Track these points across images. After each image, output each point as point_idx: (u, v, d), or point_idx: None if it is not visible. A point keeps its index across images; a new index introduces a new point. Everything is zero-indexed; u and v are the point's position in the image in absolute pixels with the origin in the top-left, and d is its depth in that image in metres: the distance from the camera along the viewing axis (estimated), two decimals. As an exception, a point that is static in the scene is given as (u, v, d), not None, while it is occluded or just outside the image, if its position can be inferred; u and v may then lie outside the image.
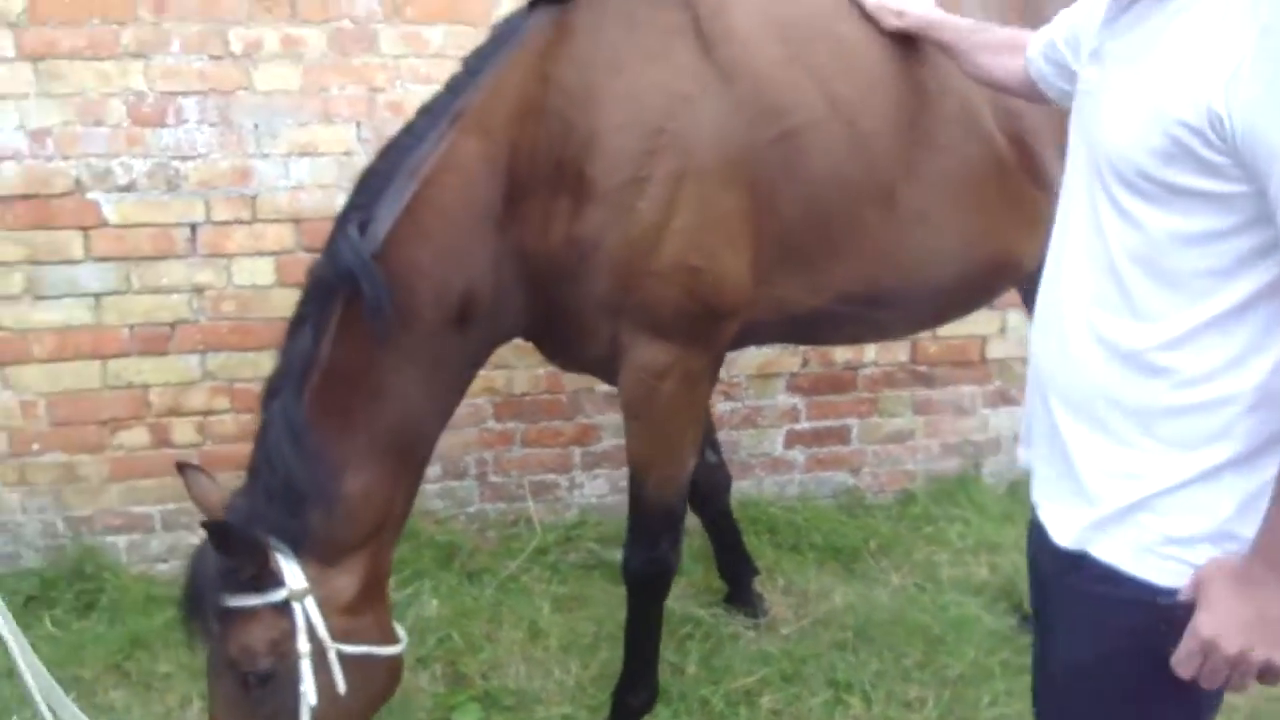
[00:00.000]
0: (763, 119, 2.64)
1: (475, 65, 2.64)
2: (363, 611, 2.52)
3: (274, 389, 2.51)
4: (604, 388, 4.07)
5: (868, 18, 2.81)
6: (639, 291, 2.62)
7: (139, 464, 3.80)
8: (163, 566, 3.91)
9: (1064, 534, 1.72)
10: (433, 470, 4.08)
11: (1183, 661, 1.57)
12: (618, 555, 4.04)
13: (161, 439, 3.81)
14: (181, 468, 2.58)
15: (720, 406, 4.24)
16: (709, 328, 2.73)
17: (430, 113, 2.61)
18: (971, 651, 3.59)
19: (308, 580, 2.40)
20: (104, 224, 3.62)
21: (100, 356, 3.71)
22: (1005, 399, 4.49)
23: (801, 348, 4.22)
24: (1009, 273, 3.10)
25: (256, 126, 3.66)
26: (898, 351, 4.34)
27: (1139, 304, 1.59)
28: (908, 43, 2.79)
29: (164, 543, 3.90)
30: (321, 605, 2.41)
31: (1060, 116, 2.85)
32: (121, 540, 3.88)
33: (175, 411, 3.80)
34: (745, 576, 3.86)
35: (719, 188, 2.61)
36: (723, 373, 4.18)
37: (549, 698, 3.39)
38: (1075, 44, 1.95)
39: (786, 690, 3.41)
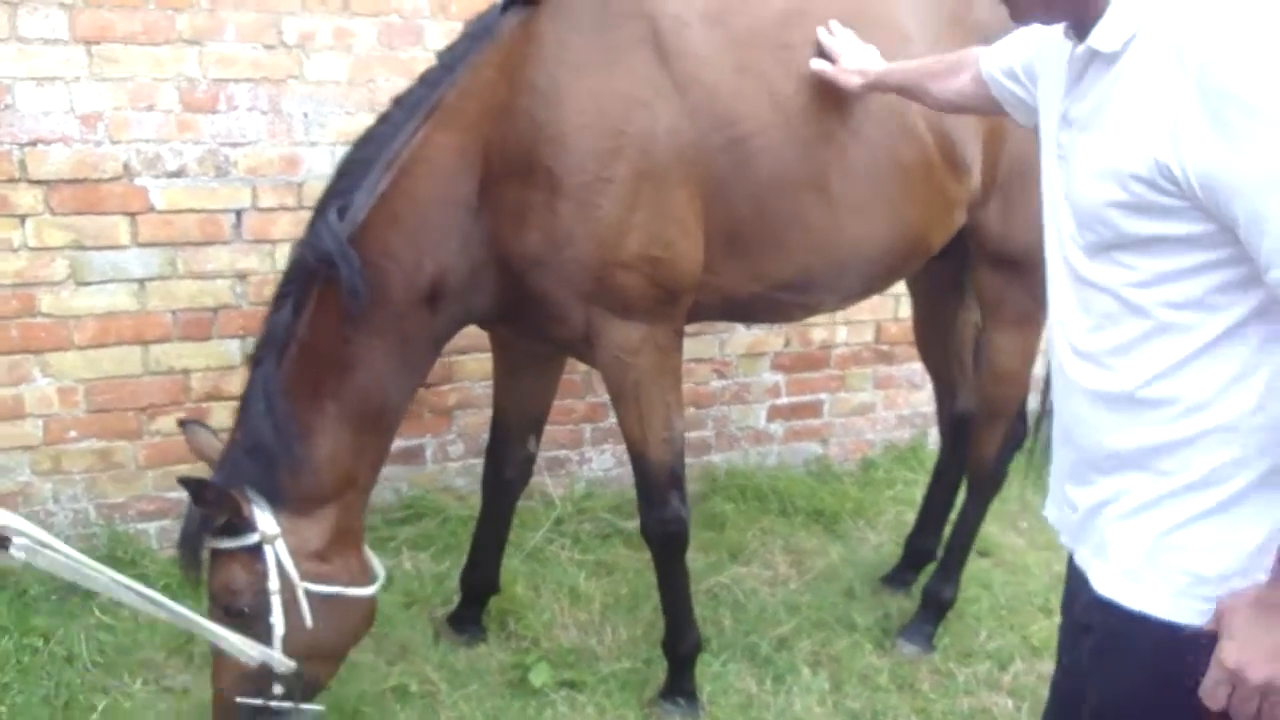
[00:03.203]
0: (713, 126, 2.88)
1: (449, 61, 2.87)
2: (331, 557, 2.81)
3: (258, 358, 2.77)
4: (615, 368, 4.34)
5: (810, 25, 3.03)
6: (608, 280, 2.86)
7: (175, 449, 3.77)
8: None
9: (1097, 581, 1.74)
10: (455, 449, 4.28)
11: (1209, 691, 1.57)
12: (631, 524, 4.38)
13: (199, 423, 3.83)
14: (183, 423, 2.83)
15: (713, 384, 4.59)
16: (670, 306, 3.00)
17: (405, 105, 2.84)
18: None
19: (279, 527, 2.70)
20: (151, 209, 3.62)
21: (142, 342, 3.71)
22: (949, 374, 5.02)
23: (784, 327, 4.60)
24: (924, 254, 3.39)
25: (306, 115, 3.74)
26: (864, 332, 4.80)
27: (1128, 345, 1.63)
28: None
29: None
30: (292, 550, 2.71)
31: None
32: (152, 526, 3.88)
33: (214, 396, 3.83)
34: (487, 590, 3.71)
35: (674, 186, 2.85)
36: (715, 352, 4.57)
37: (606, 654, 3.64)
38: (1033, 76, 2.05)
39: (817, 635, 3.80)
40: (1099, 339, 1.67)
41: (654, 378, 3.02)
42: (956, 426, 4.03)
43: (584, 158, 2.76)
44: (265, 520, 2.68)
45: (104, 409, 3.72)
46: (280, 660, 2.68)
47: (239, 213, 3.73)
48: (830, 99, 3.01)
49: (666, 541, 3.22)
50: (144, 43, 3.50)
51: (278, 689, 2.73)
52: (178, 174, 3.63)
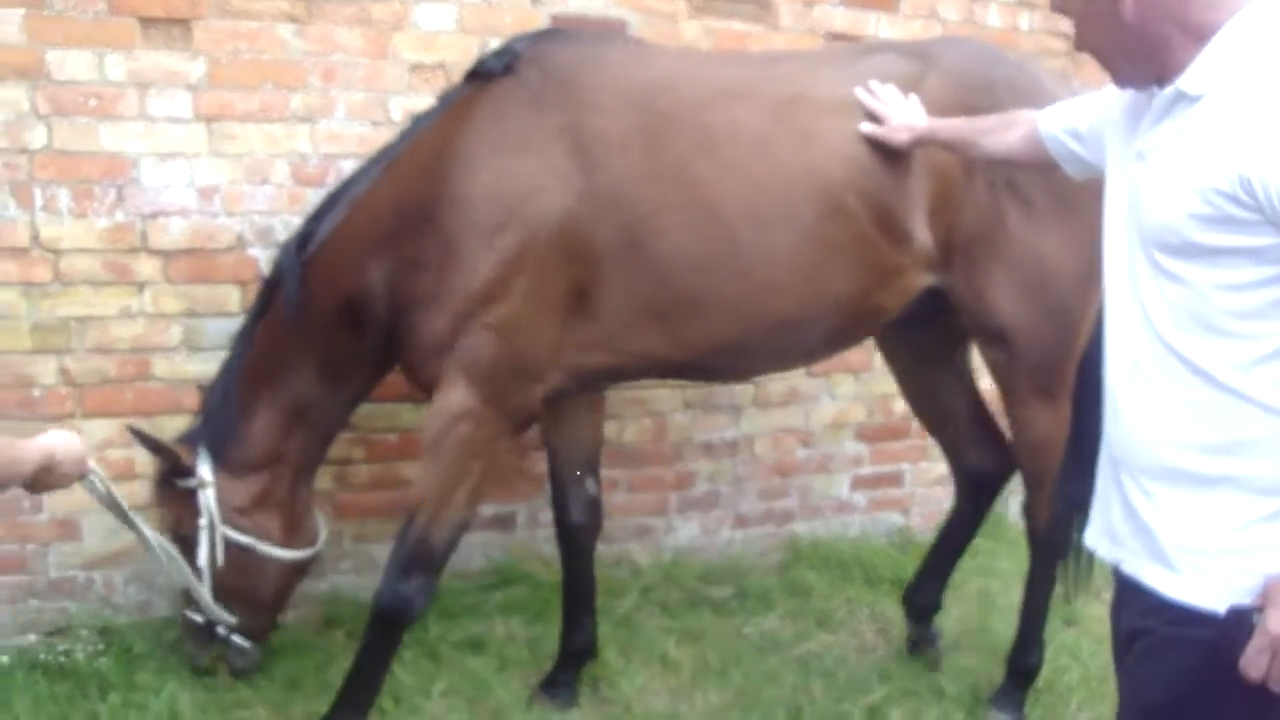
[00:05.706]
0: (614, 208, 3.05)
1: (417, 120, 3.27)
2: (252, 514, 3.41)
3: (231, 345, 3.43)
4: (702, 436, 4.41)
5: (738, 104, 3.16)
6: (468, 337, 3.06)
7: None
8: (290, 614, 3.98)
9: (1157, 583, 1.84)
10: (546, 516, 4.31)
11: (1251, 660, 1.66)
12: (719, 592, 4.42)
13: (300, 487, 3.91)
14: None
15: (798, 454, 4.63)
16: (515, 386, 3.14)
17: (376, 155, 3.28)
18: (1046, 667, 4.05)
19: (214, 480, 3.35)
20: (261, 279, 3.75)
21: (248, 407, 3.81)
22: (1029, 445, 5.03)
23: (868, 399, 4.66)
24: (873, 320, 3.44)
25: (409, 189, 3.87)
26: (946, 402, 4.83)
27: (1195, 354, 1.78)
28: (776, 131, 3.12)
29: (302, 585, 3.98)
30: (219, 500, 3.36)
31: (916, 176, 3.19)
32: (252, 585, 3.94)
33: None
34: (584, 652, 3.76)
35: (558, 265, 3.05)
36: (800, 423, 4.59)
37: (697, 720, 3.67)
38: (1097, 135, 2.22)
39: (907, 704, 3.79)
40: (1168, 349, 1.81)
41: (466, 452, 3.13)
42: (972, 483, 4.03)
43: (475, 223, 3.04)
44: (204, 471, 3.34)
45: (211, 471, 3.81)
46: (186, 575, 3.28)
47: (344, 282, 3.85)
48: (747, 179, 3.11)
49: (388, 616, 3.19)
50: (260, 120, 3.68)
51: (208, 611, 3.38)
52: (287, 245, 3.77)
